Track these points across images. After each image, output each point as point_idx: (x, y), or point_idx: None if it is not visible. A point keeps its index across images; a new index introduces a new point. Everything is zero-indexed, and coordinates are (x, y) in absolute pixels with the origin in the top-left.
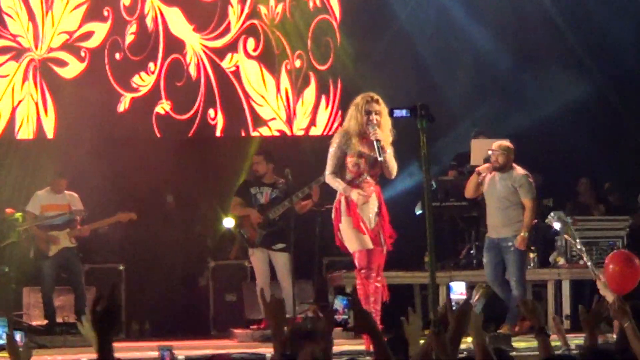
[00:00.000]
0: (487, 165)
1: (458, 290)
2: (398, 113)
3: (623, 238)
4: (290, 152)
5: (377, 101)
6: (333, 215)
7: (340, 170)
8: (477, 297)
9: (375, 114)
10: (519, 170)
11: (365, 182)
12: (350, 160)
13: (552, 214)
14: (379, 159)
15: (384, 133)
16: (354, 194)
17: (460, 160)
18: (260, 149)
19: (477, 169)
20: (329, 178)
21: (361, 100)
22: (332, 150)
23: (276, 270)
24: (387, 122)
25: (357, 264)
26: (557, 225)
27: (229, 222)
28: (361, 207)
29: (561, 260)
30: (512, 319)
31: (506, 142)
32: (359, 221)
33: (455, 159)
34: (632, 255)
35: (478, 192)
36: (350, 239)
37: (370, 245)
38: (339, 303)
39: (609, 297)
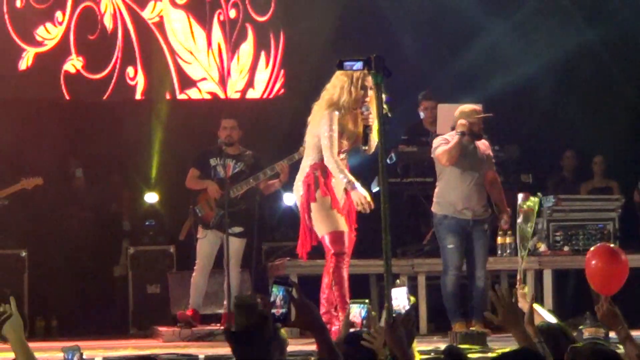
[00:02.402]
0: (464, 122)
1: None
2: (349, 65)
3: (614, 220)
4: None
5: None
6: (302, 193)
7: (314, 146)
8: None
9: (370, 89)
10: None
11: (342, 160)
12: (345, 143)
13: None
14: (363, 147)
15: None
16: (356, 195)
17: (413, 133)
18: (230, 112)
19: (460, 130)
20: (332, 163)
21: (356, 72)
22: (333, 132)
23: (226, 257)
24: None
25: (330, 247)
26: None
27: (152, 197)
28: (334, 185)
29: (542, 247)
30: (479, 314)
31: (475, 106)
32: (337, 201)
33: (408, 132)
34: (618, 250)
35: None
36: (323, 220)
37: (346, 228)
38: (276, 294)
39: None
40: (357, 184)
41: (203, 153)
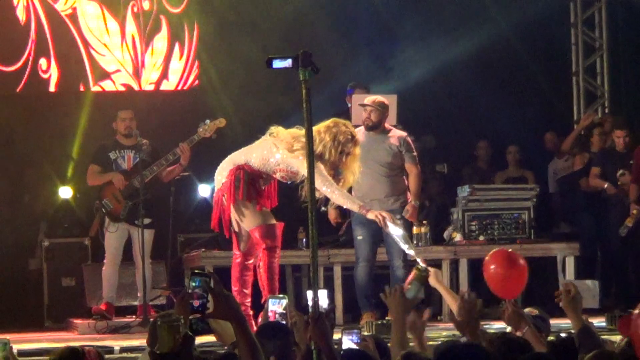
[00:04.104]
0: None
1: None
2: (278, 63)
3: (529, 209)
4: (138, 110)
5: (356, 142)
6: (225, 179)
7: (261, 156)
8: (411, 279)
9: (347, 155)
10: (397, 130)
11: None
12: (289, 175)
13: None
14: (322, 208)
15: (352, 174)
16: (372, 215)
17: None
18: (126, 104)
19: None
20: (341, 201)
21: (341, 137)
22: (325, 175)
23: (136, 249)
24: (357, 167)
25: (262, 241)
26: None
27: (66, 192)
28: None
29: (457, 236)
30: None
31: (381, 98)
32: (262, 203)
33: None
34: (516, 255)
35: None
36: (250, 216)
37: (274, 221)
38: (193, 285)
39: (441, 290)
40: (364, 206)
41: (101, 148)
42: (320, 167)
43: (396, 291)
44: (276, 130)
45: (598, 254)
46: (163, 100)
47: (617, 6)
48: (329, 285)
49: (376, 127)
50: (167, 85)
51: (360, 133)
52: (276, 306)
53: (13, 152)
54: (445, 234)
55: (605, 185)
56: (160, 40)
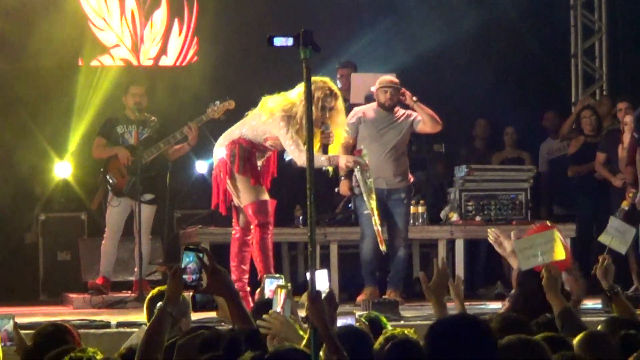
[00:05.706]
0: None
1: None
2: (279, 42)
3: (526, 190)
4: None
5: (335, 96)
6: (223, 155)
7: (252, 126)
8: (283, 300)
9: (330, 110)
10: (401, 109)
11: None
12: (276, 142)
13: None
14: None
15: (340, 126)
16: (342, 161)
17: None
18: (139, 79)
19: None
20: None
21: (319, 92)
22: (293, 135)
23: (136, 224)
24: (343, 120)
25: (254, 217)
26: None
27: (64, 169)
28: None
29: (454, 216)
30: (397, 283)
31: (392, 77)
32: (257, 178)
33: None
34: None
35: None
36: (244, 191)
37: (267, 196)
38: (187, 260)
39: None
40: (334, 156)
41: (108, 121)
42: (291, 131)
43: (278, 319)
44: (265, 99)
45: (594, 235)
46: (162, 76)
47: None
48: (325, 264)
49: (393, 108)
50: (166, 61)
51: (371, 110)
52: (273, 285)
53: (10, 126)
54: (442, 214)
55: (612, 180)
56: (160, 15)
